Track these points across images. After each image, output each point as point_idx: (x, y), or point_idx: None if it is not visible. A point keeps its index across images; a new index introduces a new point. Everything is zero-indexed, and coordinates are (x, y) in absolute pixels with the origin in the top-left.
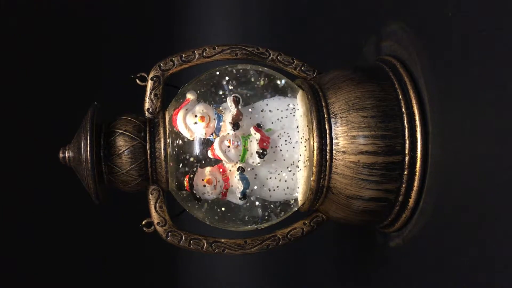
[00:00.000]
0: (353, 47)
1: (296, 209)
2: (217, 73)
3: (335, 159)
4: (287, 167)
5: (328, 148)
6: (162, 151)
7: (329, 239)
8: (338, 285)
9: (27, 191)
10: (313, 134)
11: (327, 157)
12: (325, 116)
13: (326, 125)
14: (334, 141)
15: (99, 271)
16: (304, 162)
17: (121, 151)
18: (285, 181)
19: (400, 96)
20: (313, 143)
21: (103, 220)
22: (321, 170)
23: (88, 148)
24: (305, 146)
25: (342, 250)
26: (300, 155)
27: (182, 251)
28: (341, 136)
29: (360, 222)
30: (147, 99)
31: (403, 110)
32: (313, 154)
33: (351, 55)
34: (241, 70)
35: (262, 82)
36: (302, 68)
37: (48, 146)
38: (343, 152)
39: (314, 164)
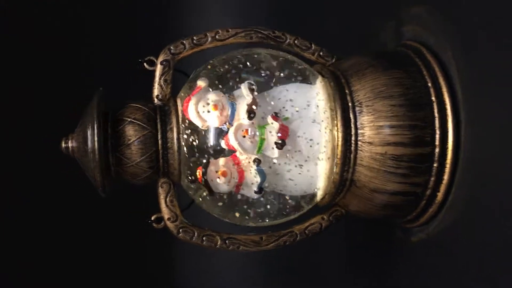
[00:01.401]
0: (368, 33)
1: (315, 203)
2: (230, 57)
3: (361, 150)
4: (307, 159)
5: (353, 138)
6: (175, 141)
7: (342, 231)
8: (352, 281)
9: (24, 183)
10: (337, 124)
11: (352, 148)
12: (349, 104)
13: (351, 114)
14: (359, 131)
15: (99, 268)
16: (326, 154)
17: (131, 141)
18: (305, 173)
19: (429, 84)
20: (337, 133)
21: (107, 214)
22: (345, 162)
23: (96, 138)
24: (327, 137)
25: (357, 244)
26: (323, 146)
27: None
28: (367, 126)
29: (382, 217)
30: (156, 85)
31: (433, 98)
32: (337, 145)
33: (365, 41)
34: (256, 55)
35: (292, 75)
36: (321, 53)
37: (46, 135)
38: (369, 143)
39: (338, 156)
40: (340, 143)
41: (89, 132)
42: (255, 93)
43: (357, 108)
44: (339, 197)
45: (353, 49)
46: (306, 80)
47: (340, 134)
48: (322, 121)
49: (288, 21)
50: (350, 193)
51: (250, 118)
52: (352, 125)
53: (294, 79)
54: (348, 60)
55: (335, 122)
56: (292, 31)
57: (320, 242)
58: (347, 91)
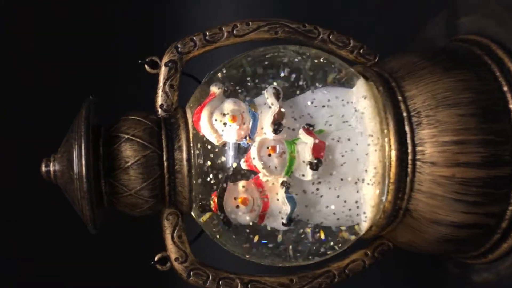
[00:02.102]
0: (411, 26)
1: (358, 236)
2: (249, 58)
3: (419, 172)
4: (349, 183)
5: (409, 157)
6: (185, 162)
7: (380, 263)
8: None
9: None
10: (389, 139)
11: (409, 170)
12: (404, 114)
13: (407, 126)
14: (418, 148)
15: None
16: (374, 176)
17: (129, 163)
18: (345, 201)
19: (505, 87)
20: (390, 151)
21: (98, 252)
22: (399, 188)
23: (84, 160)
24: (376, 155)
25: (399, 280)
26: (371, 166)
27: None
28: (428, 141)
29: (439, 252)
30: (160, 92)
31: (511, 106)
32: (389, 166)
33: (405, 37)
34: (282, 54)
35: (330, 78)
36: (361, 51)
37: (27, 155)
38: (431, 163)
39: (392, 180)
40: (394, 163)
41: (75, 153)
42: (282, 100)
43: (414, 119)
44: (388, 228)
45: (390, 48)
46: (346, 83)
47: (393, 152)
48: (370, 135)
49: (308, 13)
50: (403, 225)
51: (276, 131)
52: (409, 141)
53: (329, 82)
54: (395, 60)
55: (387, 136)
56: (330, 24)
57: (354, 278)
58: (399, 97)
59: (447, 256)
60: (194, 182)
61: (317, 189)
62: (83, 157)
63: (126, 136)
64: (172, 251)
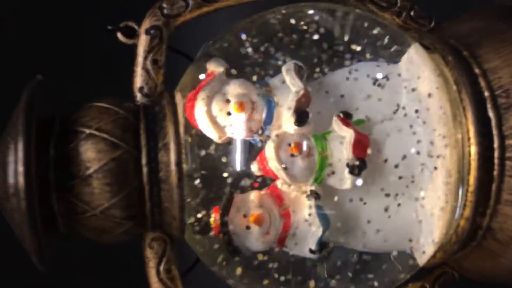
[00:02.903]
0: None
1: (415, 268)
2: (263, 22)
3: (511, 176)
4: (405, 192)
5: (496, 155)
6: (174, 168)
7: None
8: None
9: None
10: (466, 130)
11: (495, 173)
12: (486, 93)
13: (491, 110)
14: (508, 141)
15: None
16: (444, 184)
17: (91, 170)
18: (400, 217)
19: None
20: (468, 146)
21: None
22: (480, 198)
23: (21, 168)
24: (446, 153)
25: None
26: (438, 169)
27: None
28: None
29: None
30: (138, 70)
31: None
32: (468, 169)
33: None
34: (307, 15)
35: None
36: (412, 13)
37: None
38: None
39: (470, 188)
40: (473, 164)
41: (11, 156)
42: (306, 80)
43: (500, 100)
44: (457, 255)
45: (445, 12)
46: (398, 56)
47: (473, 149)
48: (435, 128)
49: None
50: (479, 249)
51: (301, 122)
52: (495, 131)
53: (374, 55)
54: (461, 23)
55: (462, 126)
56: None
57: None
58: (477, 70)
59: None
60: (187, 195)
61: (359, 202)
62: (20, 162)
63: (88, 131)
64: None
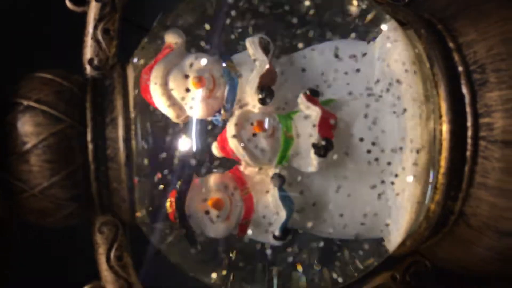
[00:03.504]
0: None
1: (386, 254)
2: None
3: (485, 157)
4: (374, 176)
5: (470, 134)
6: (122, 144)
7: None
8: None
9: None
10: (438, 107)
11: (467, 153)
12: (460, 68)
13: (464, 87)
14: (482, 120)
15: None
16: (414, 165)
17: (28, 146)
18: (367, 203)
19: None
20: (440, 124)
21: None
22: (452, 181)
23: None
24: (418, 133)
25: None
26: (408, 150)
27: None
28: (499, 109)
29: (500, 274)
30: (88, 40)
31: None
32: (439, 149)
33: None
34: None
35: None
36: None
37: None
38: (504, 143)
39: (442, 169)
40: (445, 144)
41: None
42: (270, 55)
43: (475, 76)
44: (429, 242)
45: None
46: (369, 31)
47: (445, 127)
48: (409, 103)
49: None
50: (452, 237)
51: (264, 100)
52: (468, 109)
53: (345, 30)
54: None
55: (434, 103)
56: None
57: None
58: (451, 44)
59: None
60: (137, 175)
61: (325, 185)
62: None
63: (26, 103)
64: (108, 280)
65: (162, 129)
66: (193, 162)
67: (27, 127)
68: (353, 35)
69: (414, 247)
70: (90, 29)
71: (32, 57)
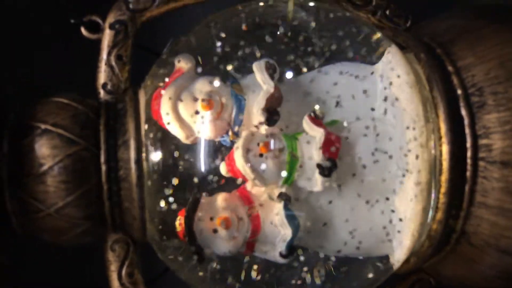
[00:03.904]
0: None
1: (389, 271)
2: (233, 16)
3: (484, 177)
4: (378, 195)
5: (469, 155)
6: (133, 165)
7: None
8: None
9: None
10: (438, 128)
11: (467, 174)
12: (459, 91)
13: (463, 109)
14: (481, 141)
15: None
16: (416, 185)
17: (45, 167)
18: (371, 222)
19: None
20: (440, 146)
21: None
22: (453, 200)
23: None
24: (418, 153)
25: None
26: (409, 170)
27: None
28: (497, 131)
29: None
30: (102, 66)
31: None
32: (440, 169)
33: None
34: (281, 9)
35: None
36: (387, 12)
37: None
38: (502, 164)
39: (443, 189)
40: (445, 164)
41: None
42: (276, 78)
43: (474, 99)
44: (432, 260)
45: (422, 11)
46: (371, 55)
47: (445, 148)
48: (409, 124)
49: None
50: (454, 255)
51: (270, 122)
52: (467, 130)
53: (348, 54)
54: (437, 22)
55: (434, 125)
56: None
57: None
58: (450, 68)
59: None
60: (149, 194)
61: (330, 204)
62: None
63: (44, 127)
64: None
65: (172, 150)
66: (201, 181)
67: (44, 150)
68: (355, 58)
69: (417, 265)
70: (104, 55)
71: (32, 57)
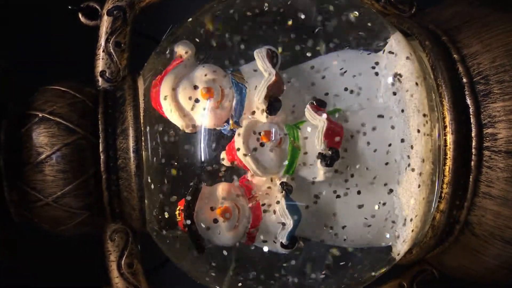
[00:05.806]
0: None
1: (392, 262)
2: (234, 4)
3: (489, 167)
4: (379, 184)
5: (474, 144)
6: (132, 155)
7: None
8: None
9: None
10: (443, 117)
11: (472, 163)
12: (464, 80)
13: (469, 97)
14: (486, 130)
15: None
16: (419, 175)
17: (42, 156)
18: (374, 212)
19: None
20: (445, 135)
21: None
22: (457, 191)
23: None
24: (422, 143)
25: None
26: (413, 159)
27: None
28: (503, 120)
29: (506, 282)
30: (100, 53)
31: None
32: (444, 159)
33: None
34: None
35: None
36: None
37: None
38: (507, 153)
39: (446, 179)
40: (450, 154)
41: None
42: (278, 66)
43: (479, 87)
44: (435, 250)
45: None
46: (375, 43)
47: (449, 137)
48: (414, 113)
49: None
50: (458, 245)
51: (271, 111)
52: (473, 119)
53: (352, 42)
54: (442, 9)
55: (438, 114)
56: None
57: None
58: (455, 55)
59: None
60: (148, 184)
61: (333, 194)
62: None
63: (41, 115)
64: (118, 287)
65: (172, 138)
66: (202, 171)
67: (42, 138)
68: (359, 46)
69: (421, 256)
70: (102, 42)
71: (29, 45)
